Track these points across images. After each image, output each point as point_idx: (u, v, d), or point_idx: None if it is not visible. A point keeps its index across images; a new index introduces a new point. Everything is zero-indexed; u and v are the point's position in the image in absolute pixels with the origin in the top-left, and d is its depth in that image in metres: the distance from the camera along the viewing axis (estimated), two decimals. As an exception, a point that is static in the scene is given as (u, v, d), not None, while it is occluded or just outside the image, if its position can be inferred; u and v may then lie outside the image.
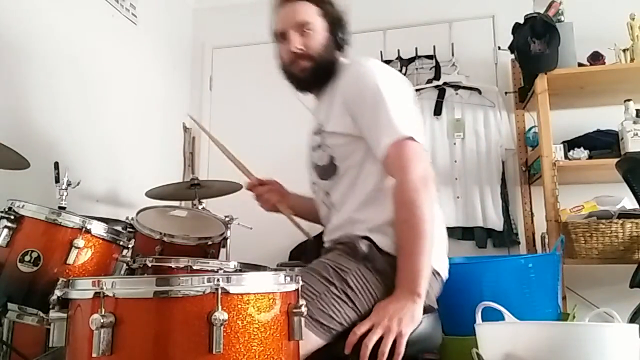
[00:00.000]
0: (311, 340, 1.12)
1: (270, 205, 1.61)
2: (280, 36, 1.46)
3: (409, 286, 1.18)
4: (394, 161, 1.23)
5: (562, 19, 2.40)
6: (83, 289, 0.87)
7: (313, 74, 1.43)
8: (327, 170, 1.39)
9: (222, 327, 0.82)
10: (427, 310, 1.28)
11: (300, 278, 0.98)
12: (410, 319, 1.15)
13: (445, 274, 1.34)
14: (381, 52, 2.94)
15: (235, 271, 1.54)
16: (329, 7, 1.44)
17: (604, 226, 2.08)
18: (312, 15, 1.42)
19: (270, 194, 1.61)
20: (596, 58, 2.40)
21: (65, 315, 0.88)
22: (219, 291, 0.83)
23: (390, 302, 1.18)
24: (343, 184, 1.36)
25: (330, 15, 1.43)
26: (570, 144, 2.38)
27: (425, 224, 1.19)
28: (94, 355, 0.80)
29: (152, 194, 2.14)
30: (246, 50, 3.19)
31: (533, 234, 2.61)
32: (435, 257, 1.27)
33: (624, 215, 2.09)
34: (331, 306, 1.19)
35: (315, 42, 1.41)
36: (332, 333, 1.19)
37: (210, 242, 1.82)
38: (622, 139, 2.27)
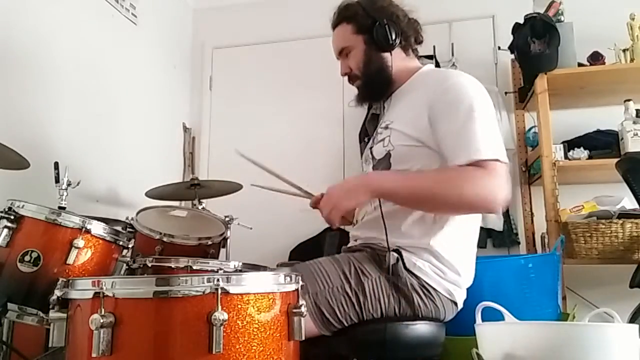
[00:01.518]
0: (307, 326, 1.13)
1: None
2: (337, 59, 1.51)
3: (377, 180, 1.24)
4: (482, 171, 1.17)
5: (562, 19, 2.40)
6: (83, 289, 0.87)
7: (367, 89, 1.46)
8: (380, 164, 1.37)
9: (222, 327, 0.82)
10: (428, 318, 1.28)
11: (300, 278, 0.98)
12: (348, 197, 1.20)
13: (461, 305, 1.33)
14: (381, 52, 2.93)
15: (235, 271, 1.54)
16: (364, 20, 1.41)
17: (603, 226, 2.08)
18: (347, 38, 1.44)
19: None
20: (596, 58, 2.40)
21: (65, 315, 0.88)
22: (219, 291, 0.83)
23: (351, 178, 1.27)
24: None
25: (366, 27, 1.41)
26: (570, 144, 2.38)
27: (438, 206, 1.21)
28: (93, 355, 0.80)
29: (152, 194, 2.14)
30: (246, 50, 3.19)
31: (533, 234, 2.61)
32: (459, 290, 1.30)
33: (624, 215, 2.09)
34: (339, 302, 1.20)
35: (355, 62, 1.43)
36: (330, 328, 1.20)
37: (210, 242, 1.82)
38: (622, 139, 2.27)
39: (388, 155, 1.34)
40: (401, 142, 1.31)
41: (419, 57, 1.52)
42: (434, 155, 1.27)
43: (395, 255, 1.24)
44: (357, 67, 1.43)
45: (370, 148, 1.43)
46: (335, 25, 1.48)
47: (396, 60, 1.42)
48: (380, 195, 1.23)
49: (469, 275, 1.34)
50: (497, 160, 1.17)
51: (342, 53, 1.47)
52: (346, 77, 1.48)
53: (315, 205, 1.36)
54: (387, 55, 1.40)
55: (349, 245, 1.45)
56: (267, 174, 1.48)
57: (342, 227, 1.53)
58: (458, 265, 1.28)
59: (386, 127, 1.37)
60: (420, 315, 1.25)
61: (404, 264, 1.24)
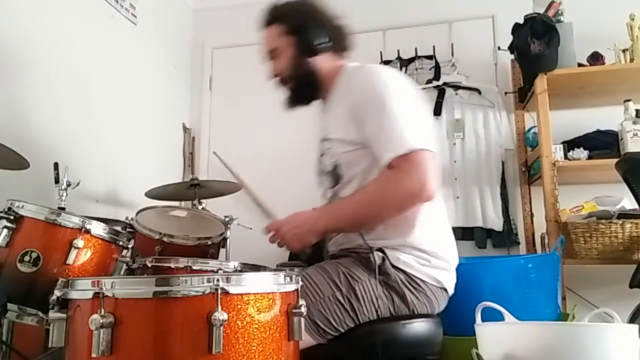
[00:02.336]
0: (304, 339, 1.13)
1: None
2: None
3: (322, 218, 1.28)
4: (399, 170, 1.21)
5: (562, 19, 2.40)
6: (82, 289, 0.87)
7: (296, 92, 1.47)
8: (332, 177, 1.40)
9: (221, 328, 0.82)
10: (425, 315, 1.29)
11: (300, 278, 0.98)
12: (298, 238, 1.28)
13: (451, 290, 1.35)
14: (381, 52, 2.94)
15: (235, 271, 1.54)
16: (294, 22, 1.42)
17: (603, 226, 2.08)
18: (276, 39, 1.45)
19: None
20: (596, 58, 2.40)
21: (64, 315, 0.88)
22: (219, 291, 0.83)
23: (299, 215, 1.30)
24: (348, 192, 1.35)
25: (296, 29, 1.42)
26: (570, 144, 2.38)
27: (380, 218, 1.26)
28: (93, 355, 0.80)
29: (152, 194, 2.14)
30: (246, 51, 3.17)
31: (533, 234, 2.61)
32: (447, 275, 1.32)
33: (624, 215, 2.09)
34: (332, 311, 1.20)
35: (284, 64, 1.44)
36: (326, 337, 1.20)
37: (210, 242, 1.82)
38: (622, 139, 2.27)
39: (335, 167, 1.37)
40: (342, 150, 1.34)
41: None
42: (370, 149, 1.29)
43: (380, 254, 1.26)
44: (286, 70, 1.44)
45: (320, 159, 1.46)
46: (265, 25, 1.48)
47: (324, 63, 1.42)
48: (325, 232, 1.33)
49: (452, 255, 1.36)
50: (416, 150, 1.19)
51: (271, 55, 1.47)
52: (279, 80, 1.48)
53: (268, 230, 1.36)
54: (314, 59, 1.41)
55: (330, 252, 1.45)
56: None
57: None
58: (439, 250, 1.31)
59: (325, 139, 1.41)
60: (415, 311, 1.26)
61: (389, 261, 1.26)
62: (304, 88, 1.45)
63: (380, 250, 1.27)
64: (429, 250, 1.29)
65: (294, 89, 1.46)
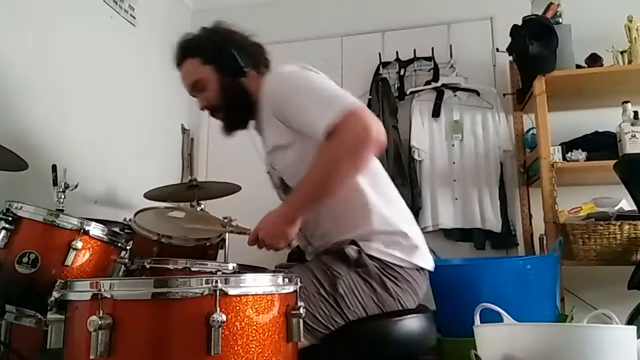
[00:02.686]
0: None
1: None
2: (192, 96, 1.51)
3: (290, 205, 1.27)
4: (340, 128, 1.18)
5: (560, 21, 2.40)
6: (81, 291, 0.87)
7: (232, 117, 1.47)
8: (283, 188, 1.42)
9: (220, 329, 0.82)
10: (419, 310, 1.29)
11: (299, 279, 0.98)
12: (277, 235, 1.25)
13: (429, 266, 1.36)
14: (380, 53, 2.94)
15: (234, 273, 1.54)
16: (210, 49, 1.43)
17: (602, 228, 2.09)
18: (197, 71, 1.45)
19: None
20: (594, 60, 2.41)
21: (63, 317, 0.88)
22: (217, 293, 0.83)
23: (270, 215, 1.27)
24: None
25: (214, 56, 1.42)
26: (568, 146, 2.39)
27: (340, 178, 1.22)
28: (91, 357, 0.79)
29: (150, 196, 2.14)
30: (245, 52, 3.19)
31: (531, 236, 2.61)
32: (420, 253, 1.32)
33: (622, 216, 2.10)
34: (318, 308, 1.21)
35: (212, 93, 1.44)
36: (317, 335, 1.20)
37: (208, 244, 1.82)
38: (620, 140, 2.27)
39: (281, 179, 1.40)
40: (284, 161, 1.36)
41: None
42: (306, 139, 1.28)
43: (355, 247, 1.27)
44: (216, 97, 1.44)
45: (269, 176, 1.49)
46: (179, 63, 1.49)
47: (251, 82, 1.42)
48: (297, 218, 1.27)
49: (415, 230, 1.36)
50: (347, 108, 1.18)
51: (196, 88, 1.47)
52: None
53: (252, 241, 1.34)
54: (241, 79, 1.42)
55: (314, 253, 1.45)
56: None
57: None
58: (402, 226, 1.31)
59: (267, 153, 1.42)
60: (399, 300, 1.27)
61: (364, 252, 1.26)
62: (237, 110, 1.45)
63: (353, 242, 1.27)
64: (394, 230, 1.29)
65: (228, 114, 1.46)
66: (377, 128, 1.17)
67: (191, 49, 1.46)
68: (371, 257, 1.27)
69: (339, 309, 1.22)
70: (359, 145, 1.18)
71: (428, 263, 1.35)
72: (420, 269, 1.33)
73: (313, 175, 1.23)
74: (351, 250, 1.26)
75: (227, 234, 1.93)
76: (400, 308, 1.28)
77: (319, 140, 1.21)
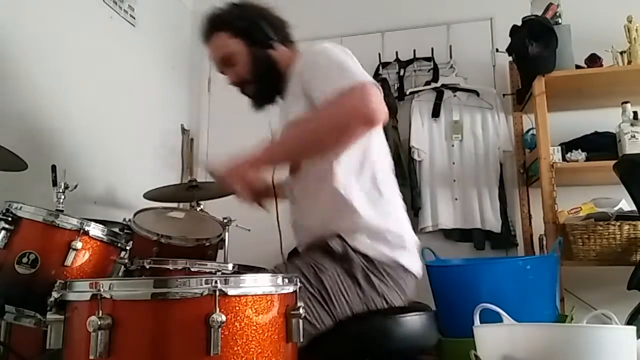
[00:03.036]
0: None
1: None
2: (221, 72, 1.49)
3: (265, 148, 1.26)
4: (345, 93, 1.16)
5: (560, 21, 2.40)
6: (80, 291, 0.87)
7: (263, 90, 1.46)
8: (291, 165, 1.39)
9: (220, 329, 0.81)
10: (419, 309, 1.29)
11: (298, 280, 0.98)
12: (234, 175, 1.22)
13: (415, 271, 1.34)
14: (379, 54, 2.94)
15: (233, 273, 1.54)
16: (239, 22, 1.42)
17: (601, 228, 2.09)
18: (227, 44, 1.43)
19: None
20: (594, 60, 2.41)
21: (62, 317, 0.88)
22: (217, 293, 0.83)
23: (239, 157, 1.25)
24: (306, 180, 1.35)
25: (243, 29, 1.41)
26: (568, 146, 2.39)
27: (328, 139, 1.20)
28: (91, 357, 0.79)
29: (150, 196, 2.14)
30: (244, 52, 3.20)
31: (531, 236, 2.61)
32: (408, 255, 1.30)
33: (622, 217, 2.10)
34: (305, 306, 1.19)
35: (242, 67, 1.42)
36: (305, 335, 1.19)
37: (208, 244, 1.82)
38: (620, 141, 2.27)
39: None
40: None
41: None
42: None
43: (339, 240, 1.25)
44: (247, 71, 1.43)
45: None
46: (208, 37, 1.47)
47: (280, 55, 1.43)
48: (263, 164, 1.27)
49: (408, 234, 1.34)
50: (360, 81, 1.17)
51: (226, 62, 1.45)
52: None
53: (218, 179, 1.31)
54: (271, 51, 1.41)
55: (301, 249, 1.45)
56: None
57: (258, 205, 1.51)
58: (393, 227, 1.29)
59: (285, 124, 1.40)
60: (386, 299, 1.26)
61: (349, 246, 1.25)
62: (268, 84, 1.44)
63: (338, 236, 1.26)
64: (383, 229, 1.27)
65: (258, 88, 1.45)
66: (376, 106, 1.14)
67: (220, 23, 1.44)
68: (356, 250, 1.25)
69: (326, 306, 1.21)
70: (356, 117, 1.16)
71: (414, 266, 1.33)
72: (409, 272, 1.31)
73: (298, 129, 1.22)
74: (336, 244, 1.24)
75: (227, 233, 1.94)
76: (387, 306, 1.27)
77: None
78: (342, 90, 1.16)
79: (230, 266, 1.56)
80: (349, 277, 1.24)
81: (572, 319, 1.83)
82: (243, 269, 1.58)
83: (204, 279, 0.84)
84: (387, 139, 1.32)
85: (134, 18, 2.68)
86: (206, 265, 1.53)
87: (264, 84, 1.44)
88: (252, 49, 1.41)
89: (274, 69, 1.41)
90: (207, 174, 1.30)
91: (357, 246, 1.26)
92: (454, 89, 2.77)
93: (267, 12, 1.44)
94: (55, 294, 0.89)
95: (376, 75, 2.88)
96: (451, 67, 2.83)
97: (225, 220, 1.96)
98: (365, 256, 1.26)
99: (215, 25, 1.45)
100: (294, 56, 1.43)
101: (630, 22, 2.36)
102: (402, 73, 2.88)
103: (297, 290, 0.97)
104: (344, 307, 1.23)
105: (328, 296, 1.21)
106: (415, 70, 2.91)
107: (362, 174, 1.31)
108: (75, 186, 1.72)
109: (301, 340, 0.94)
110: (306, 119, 1.23)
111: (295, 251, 1.61)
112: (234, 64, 1.44)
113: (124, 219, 1.86)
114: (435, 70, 2.84)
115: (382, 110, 1.15)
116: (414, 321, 1.27)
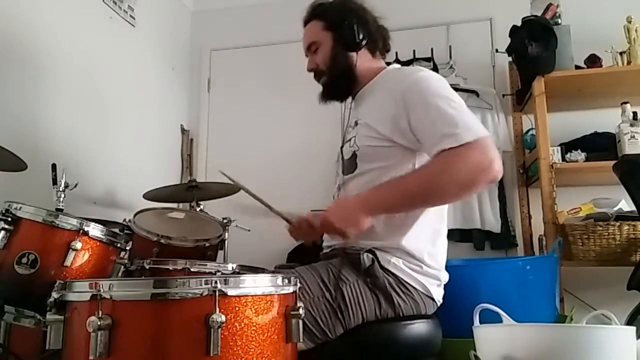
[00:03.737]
0: None
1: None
2: (306, 56, 1.54)
3: (370, 201, 1.21)
4: (464, 149, 1.15)
5: (560, 21, 2.40)
6: (80, 291, 0.87)
7: (332, 86, 1.48)
8: (348, 165, 1.39)
9: (219, 330, 0.81)
10: (427, 315, 1.29)
11: (298, 280, 0.98)
12: (347, 220, 1.19)
13: (439, 300, 1.35)
14: (379, 54, 2.94)
15: (233, 273, 1.54)
16: (334, 18, 1.44)
17: (601, 228, 2.09)
18: (317, 33, 1.47)
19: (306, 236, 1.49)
20: (593, 61, 2.41)
21: (62, 317, 0.88)
22: (217, 293, 0.83)
23: (347, 201, 1.25)
24: (359, 184, 1.34)
25: (336, 24, 1.44)
26: (567, 146, 2.39)
27: (442, 195, 1.20)
28: (90, 357, 0.79)
29: (150, 196, 2.14)
30: (244, 53, 3.19)
31: (531, 236, 2.61)
32: (434, 284, 1.31)
33: (621, 217, 2.10)
34: (320, 311, 1.19)
35: (322, 58, 1.46)
36: (314, 339, 1.19)
37: (207, 244, 1.82)
38: (619, 141, 2.27)
39: (354, 155, 1.36)
40: (366, 143, 1.33)
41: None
42: (402, 151, 1.28)
43: (370, 255, 1.25)
44: (324, 63, 1.46)
45: (341, 147, 1.46)
46: (306, 22, 1.51)
47: (362, 60, 1.44)
48: (378, 212, 1.23)
49: (443, 272, 1.35)
50: (482, 137, 1.17)
51: (311, 49, 1.50)
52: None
53: (292, 231, 1.30)
54: (353, 54, 1.43)
55: (324, 251, 1.44)
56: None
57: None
58: (430, 260, 1.30)
59: (355, 124, 1.40)
60: (401, 314, 1.26)
61: (379, 263, 1.25)
62: (339, 82, 1.47)
63: (371, 251, 1.26)
64: (420, 257, 1.28)
65: (329, 82, 1.48)
66: (499, 163, 1.16)
67: (319, 12, 1.49)
68: (385, 270, 1.25)
69: (341, 315, 1.21)
70: (479, 173, 1.15)
71: (439, 296, 1.34)
72: (432, 298, 1.31)
73: (415, 181, 1.19)
74: (365, 258, 1.24)
75: (227, 234, 1.94)
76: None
77: (418, 149, 1.24)
78: (462, 141, 1.14)
79: (230, 266, 1.56)
80: (370, 291, 1.24)
81: (571, 319, 1.83)
82: (243, 269, 1.58)
83: (203, 280, 0.84)
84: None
85: (134, 18, 2.68)
86: (206, 265, 1.53)
87: (335, 81, 1.47)
88: (337, 45, 1.44)
89: (349, 71, 1.44)
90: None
91: (389, 267, 1.26)
92: (454, 89, 2.74)
93: (367, 17, 1.46)
94: (55, 295, 0.89)
95: (376, 76, 2.88)
96: (451, 67, 2.83)
97: (225, 221, 1.96)
98: (393, 275, 1.26)
99: (315, 13, 1.49)
100: (376, 67, 1.45)
101: (629, 22, 2.37)
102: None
103: (297, 290, 0.97)
104: (358, 318, 1.23)
105: (345, 307, 1.21)
106: (414, 71, 2.90)
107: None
108: (76, 185, 1.72)
109: (301, 340, 0.94)
110: (427, 172, 1.20)
111: (296, 250, 1.62)
112: (316, 53, 1.48)
113: (124, 219, 1.86)
114: (435, 70, 2.84)
115: (501, 167, 1.17)
116: (419, 327, 1.27)
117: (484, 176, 1.15)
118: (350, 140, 1.40)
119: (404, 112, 1.26)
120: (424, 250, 1.29)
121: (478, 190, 1.20)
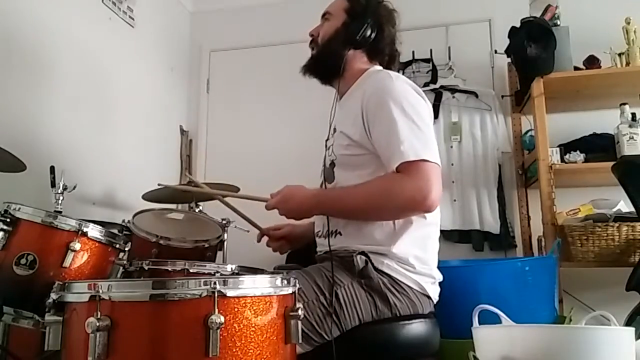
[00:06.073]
0: None
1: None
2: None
3: (320, 201, 1.33)
4: (406, 174, 1.21)
5: (558, 23, 2.41)
6: (79, 292, 0.87)
7: (316, 60, 1.50)
8: (328, 174, 1.41)
9: (218, 331, 0.82)
10: (426, 315, 1.29)
11: (297, 281, 0.98)
12: (290, 210, 1.35)
13: (435, 297, 1.35)
14: (378, 55, 2.94)
15: (232, 274, 1.54)
16: (358, 7, 1.45)
17: (600, 229, 2.09)
18: (337, 8, 1.49)
19: (280, 246, 1.71)
20: (592, 62, 2.41)
21: (61, 318, 0.88)
22: (216, 294, 0.83)
23: (295, 192, 1.35)
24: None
25: (354, 12, 1.44)
26: (566, 147, 2.39)
27: (375, 217, 1.28)
28: (89, 359, 0.79)
29: (149, 197, 2.13)
30: (243, 53, 3.19)
31: (530, 237, 2.61)
32: (429, 283, 1.32)
33: (620, 218, 2.10)
34: (316, 316, 1.19)
35: (324, 31, 1.48)
36: (310, 342, 1.19)
37: (207, 245, 1.81)
38: (618, 142, 2.27)
39: (332, 164, 1.39)
40: (342, 152, 1.36)
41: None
42: (375, 159, 1.30)
43: (364, 257, 1.25)
44: (322, 37, 1.48)
45: (326, 152, 1.48)
46: None
47: (355, 58, 1.45)
48: (320, 213, 1.36)
49: (436, 271, 1.36)
50: (422, 160, 1.20)
51: (324, 16, 1.51)
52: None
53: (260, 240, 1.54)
54: (348, 48, 1.43)
55: (317, 254, 1.44)
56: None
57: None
58: (422, 265, 1.30)
59: (334, 132, 1.42)
60: (398, 314, 1.26)
61: (372, 265, 1.25)
62: (323, 63, 1.48)
63: (364, 253, 1.26)
64: (412, 263, 1.28)
65: (315, 57, 1.50)
66: (436, 195, 1.20)
67: None
68: (379, 271, 1.25)
69: (337, 317, 1.21)
70: (412, 206, 1.23)
71: (434, 293, 1.34)
72: (427, 296, 1.31)
73: (359, 197, 1.27)
74: (359, 260, 1.24)
75: (226, 235, 1.94)
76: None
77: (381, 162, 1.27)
78: (407, 163, 1.20)
79: (229, 267, 1.56)
80: (365, 292, 1.24)
81: (570, 320, 1.83)
82: (242, 270, 1.58)
83: (202, 280, 0.84)
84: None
85: (133, 19, 2.68)
86: (205, 266, 1.53)
87: (320, 59, 1.49)
88: (341, 30, 1.45)
89: (337, 60, 1.43)
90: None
91: (382, 268, 1.26)
92: (453, 90, 2.77)
93: (385, 27, 1.47)
94: (53, 295, 0.89)
95: (375, 77, 2.88)
96: (450, 68, 2.83)
97: (224, 222, 1.96)
98: (387, 275, 1.26)
99: None
100: (364, 69, 1.45)
101: (628, 23, 2.37)
102: (400, 74, 2.87)
103: (296, 291, 0.97)
104: (355, 319, 1.23)
105: (341, 309, 1.22)
106: (414, 72, 2.90)
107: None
108: (74, 187, 1.72)
109: (300, 341, 0.94)
110: (370, 191, 1.26)
111: (295, 251, 1.62)
112: (324, 23, 1.50)
113: (123, 220, 1.86)
114: (434, 71, 2.84)
115: (438, 200, 1.21)
116: (417, 327, 1.26)
117: (414, 208, 1.24)
118: (329, 148, 1.42)
119: (367, 122, 1.30)
120: (415, 256, 1.29)
121: (408, 216, 1.28)
